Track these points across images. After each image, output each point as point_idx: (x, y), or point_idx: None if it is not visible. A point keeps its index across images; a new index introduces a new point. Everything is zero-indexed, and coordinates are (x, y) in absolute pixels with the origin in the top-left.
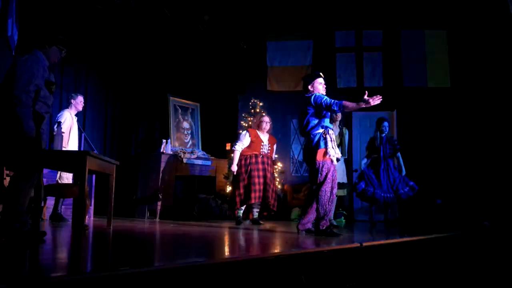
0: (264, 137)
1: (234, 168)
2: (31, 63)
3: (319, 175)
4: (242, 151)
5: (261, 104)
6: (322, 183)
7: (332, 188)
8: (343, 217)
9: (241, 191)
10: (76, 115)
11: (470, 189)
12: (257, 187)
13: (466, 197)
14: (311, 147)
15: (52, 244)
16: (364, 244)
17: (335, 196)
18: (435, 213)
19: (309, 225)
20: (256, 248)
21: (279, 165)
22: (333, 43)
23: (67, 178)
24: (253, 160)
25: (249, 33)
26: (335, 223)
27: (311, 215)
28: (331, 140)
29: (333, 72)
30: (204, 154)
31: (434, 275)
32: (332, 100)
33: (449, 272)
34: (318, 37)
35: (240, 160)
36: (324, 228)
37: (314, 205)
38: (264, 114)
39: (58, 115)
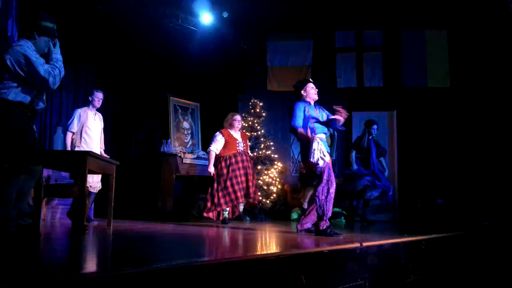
0: (237, 135)
1: (211, 169)
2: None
3: (313, 176)
4: (220, 152)
5: (261, 104)
6: (318, 183)
7: (328, 188)
8: (343, 217)
9: (225, 191)
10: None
11: (470, 189)
12: (240, 186)
13: (466, 197)
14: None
15: (52, 244)
16: (364, 244)
17: (332, 195)
18: (435, 213)
19: (308, 225)
20: (256, 248)
21: (279, 165)
22: (333, 43)
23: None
24: (233, 160)
25: (249, 33)
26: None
27: (311, 216)
28: (316, 142)
29: (333, 72)
30: (204, 154)
31: (434, 275)
32: (293, 121)
33: (449, 272)
34: (318, 37)
35: (220, 162)
36: (324, 228)
37: (313, 206)
38: (235, 113)
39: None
